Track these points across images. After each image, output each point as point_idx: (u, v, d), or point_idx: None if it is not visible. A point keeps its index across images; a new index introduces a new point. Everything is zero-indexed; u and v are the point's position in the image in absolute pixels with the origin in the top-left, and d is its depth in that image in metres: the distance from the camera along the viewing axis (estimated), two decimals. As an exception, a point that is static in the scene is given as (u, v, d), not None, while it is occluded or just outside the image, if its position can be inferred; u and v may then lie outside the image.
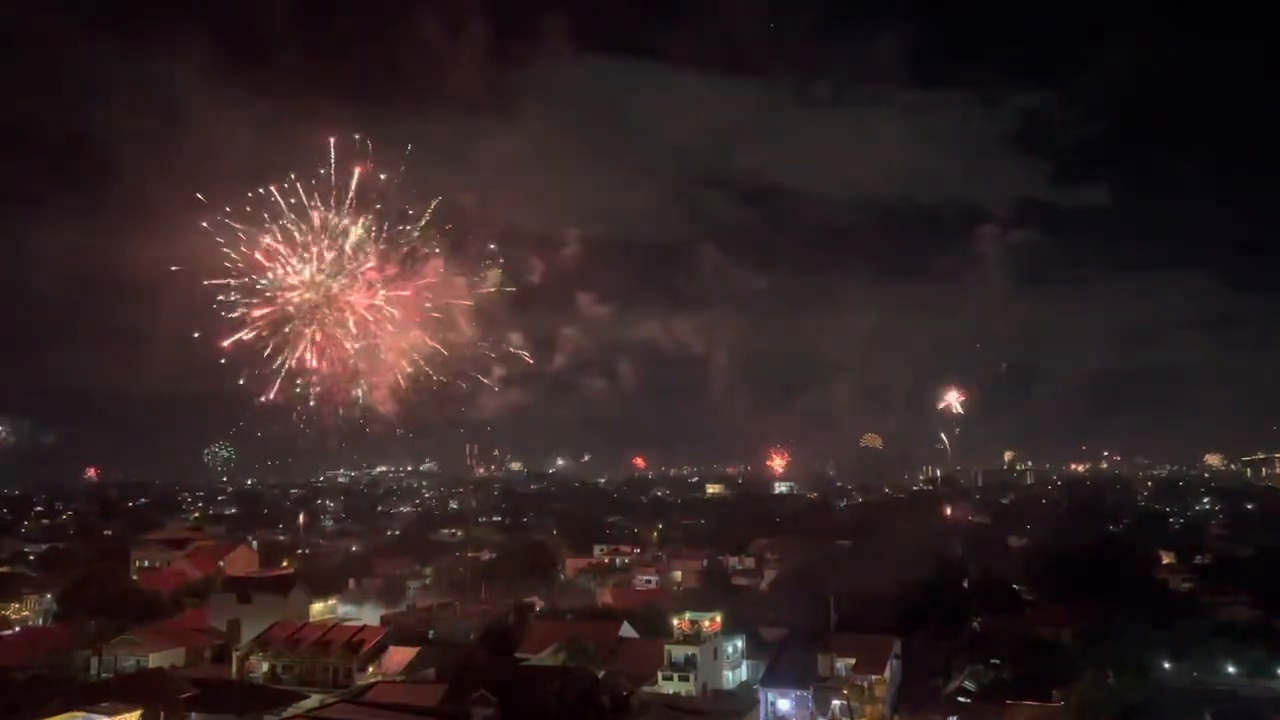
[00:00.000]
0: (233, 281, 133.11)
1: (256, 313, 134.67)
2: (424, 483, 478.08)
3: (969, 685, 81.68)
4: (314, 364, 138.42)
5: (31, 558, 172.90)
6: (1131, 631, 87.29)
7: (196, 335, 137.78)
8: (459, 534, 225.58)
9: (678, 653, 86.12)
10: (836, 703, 77.04)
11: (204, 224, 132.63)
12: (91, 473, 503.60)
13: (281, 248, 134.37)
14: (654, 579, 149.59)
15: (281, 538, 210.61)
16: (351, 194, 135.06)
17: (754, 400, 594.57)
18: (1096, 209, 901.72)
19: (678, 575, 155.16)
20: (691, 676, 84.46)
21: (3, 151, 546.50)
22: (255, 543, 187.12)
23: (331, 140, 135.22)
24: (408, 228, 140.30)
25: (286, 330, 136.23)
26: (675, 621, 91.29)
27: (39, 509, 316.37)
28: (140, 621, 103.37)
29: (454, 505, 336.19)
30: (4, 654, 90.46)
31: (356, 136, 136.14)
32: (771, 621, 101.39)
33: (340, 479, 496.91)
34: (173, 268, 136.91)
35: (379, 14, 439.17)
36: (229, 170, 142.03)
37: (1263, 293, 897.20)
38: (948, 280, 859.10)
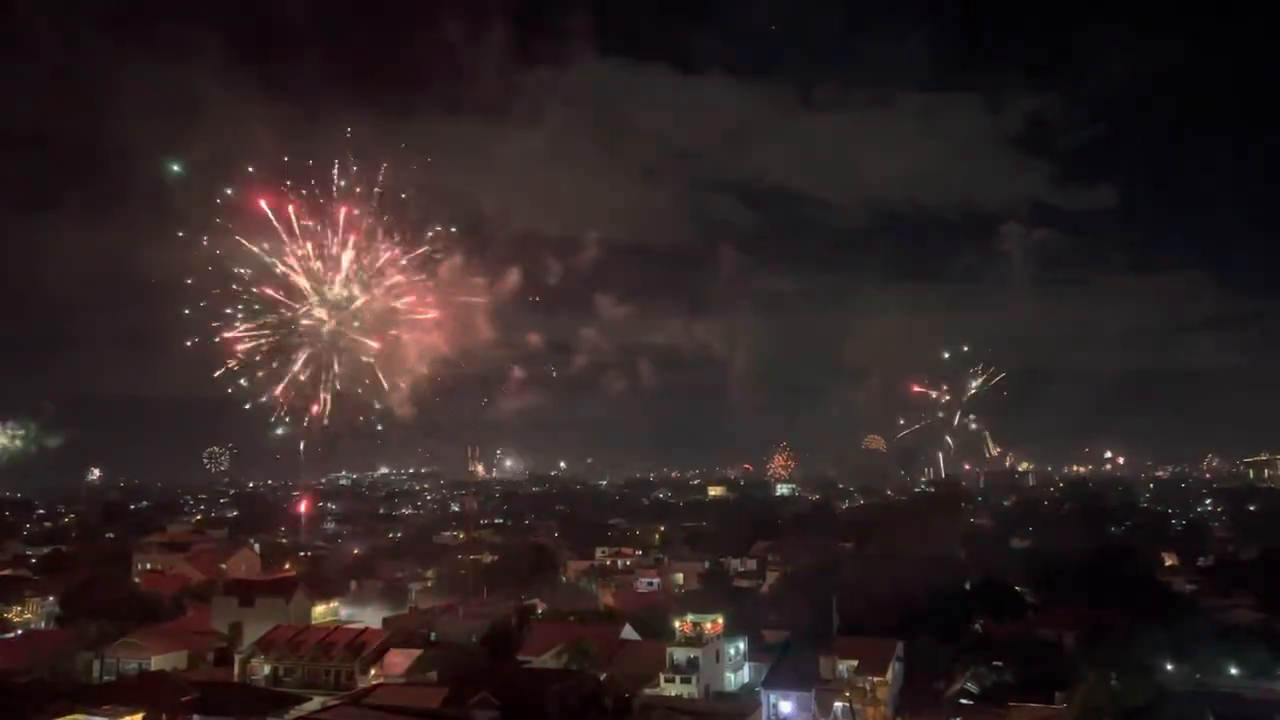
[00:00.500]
0: (244, 290, 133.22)
1: (269, 317, 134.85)
2: (425, 485, 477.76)
3: (971, 687, 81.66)
4: (328, 366, 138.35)
5: (33, 560, 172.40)
6: (1134, 633, 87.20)
7: (198, 340, 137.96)
8: (460, 536, 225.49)
9: (680, 655, 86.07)
10: (839, 705, 76.95)
11: (216, 230, 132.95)
12: (95, 473, 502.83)
13: (296, 253, 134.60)
14: (656, 581, 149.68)
15: (283, 540, 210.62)
16: (372, 198, 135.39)
17: (755, 401, 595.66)
18: (1100, 211, 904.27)
19: (679, 577, 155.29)
20: (693, 679, 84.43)
21: (17, 153, 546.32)
22: (257, 545, 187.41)
23: (350, 145, 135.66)
24: (426, 231, 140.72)
25: (299, 337, 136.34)
26: (677, 624, 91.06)
27: (40, 512, 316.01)
28: (142, 624, 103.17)
29: (454, 508, 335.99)
30: (6, 657, 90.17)
31: (376, 141, 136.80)
32: (773, 624, 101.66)
33: (341, 481, 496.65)
34: (187, 280, 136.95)
35: (399, 20, 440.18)
36: (245, 177, 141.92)
37: (1265, 294, 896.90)
38: (951, 282, 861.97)
